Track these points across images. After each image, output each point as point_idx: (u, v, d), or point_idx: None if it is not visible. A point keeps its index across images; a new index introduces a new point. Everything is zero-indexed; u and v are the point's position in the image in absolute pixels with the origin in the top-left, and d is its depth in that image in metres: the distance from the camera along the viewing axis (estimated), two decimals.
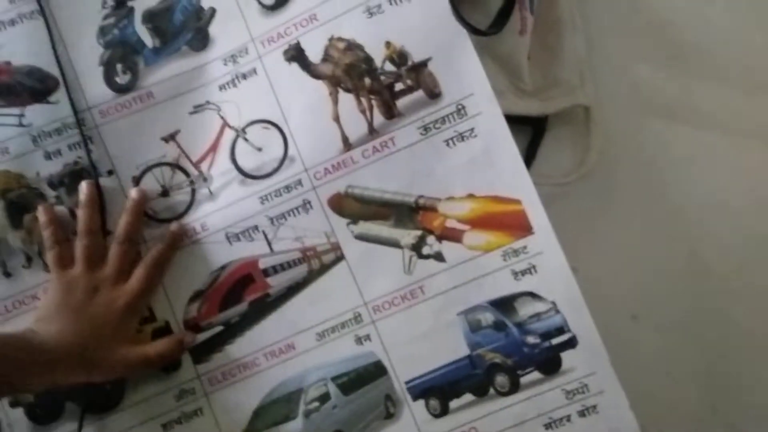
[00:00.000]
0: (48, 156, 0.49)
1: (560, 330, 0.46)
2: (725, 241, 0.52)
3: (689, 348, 0.51)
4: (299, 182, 0.48)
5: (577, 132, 0.49)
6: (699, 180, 0.52)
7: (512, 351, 0.47)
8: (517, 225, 0.47)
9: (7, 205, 0.48)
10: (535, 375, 0.46)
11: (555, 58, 0.49)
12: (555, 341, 0.47)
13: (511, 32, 0.46)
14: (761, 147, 0.53)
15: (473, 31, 0.44)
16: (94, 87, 0.50)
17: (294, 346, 0.48)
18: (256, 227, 0.49)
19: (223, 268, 0.49)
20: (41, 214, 0.47)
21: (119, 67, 0.50)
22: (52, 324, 0.44)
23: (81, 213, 0.47)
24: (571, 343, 0.46)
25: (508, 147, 0.47)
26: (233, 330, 0.49)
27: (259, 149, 0.49)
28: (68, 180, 0.49)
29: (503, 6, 0.45)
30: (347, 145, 0.48)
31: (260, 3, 0.50)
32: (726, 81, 0.53)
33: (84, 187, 0.47)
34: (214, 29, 0.50)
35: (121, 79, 0.50)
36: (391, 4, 0.47)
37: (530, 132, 0.52)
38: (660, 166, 0.51)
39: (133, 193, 0.48)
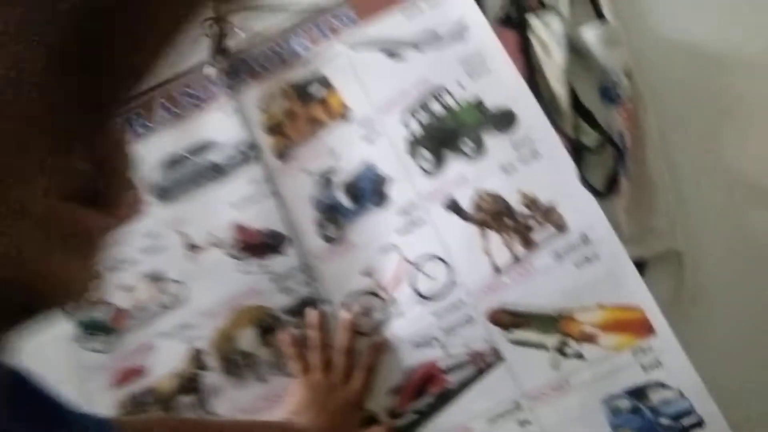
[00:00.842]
0: (284, 292, 0.69)
1: (688, 413, 0.57)
2: None
3: None
4: (462, 302, 0.64)
5: (671, 273, 0.61)
6: None
7: (648, 428, 0.58)
8: (641, 328, 0.59)
9: (259, 330, 0.69)
10: None
11: (649, 211, 0.61)
12: (685, 422, 0.57)
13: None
14: None
15: (595, 193, 0.58)
16: (312, 240, 0.70)
17: (470, 429, 0.63)
18: (434, 337, 0.65)
19: (412, 369, 0.65)
20: (284, 336, 0.67)
21: (327, 224, 0.70)
22: (304, 416, 0.62)
23: (311, 333, 0.66)
24: (699, 424, 0.56)
25: (627, 265, 0.60)
26: (424, 417, 0.65)
27: (431, 278, 0.66)
28: (299, 309, 0.68)
29: (610, 176, 0.59)
30: (497, 271, 0.63)
31: (422, 169, 0.67)
32: None
33: (311, 313, 0.67)
34: (390, 191, 0.69)
35: (330, 232, 0.70)
36: (522, 163, 0.63)
37: None
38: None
39: (345, 315, 0.67)
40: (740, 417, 0.57)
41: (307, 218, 0.70)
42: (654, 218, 0.64)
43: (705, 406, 0.57)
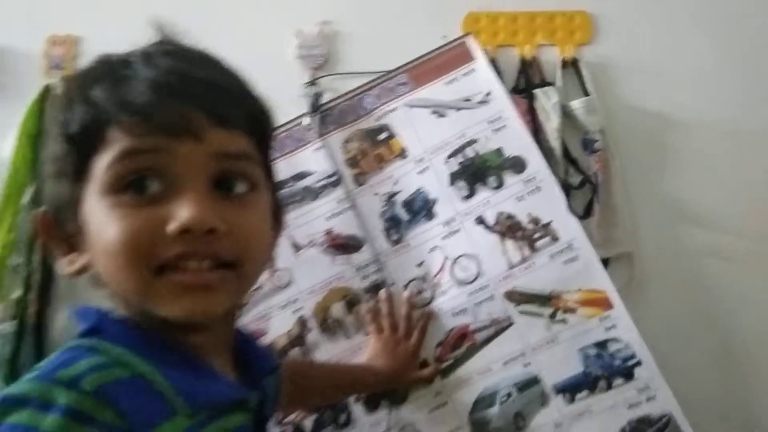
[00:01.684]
0: (362, 277, 0.99)
1: (632, 357, 0.89)
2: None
3: None
4: (486, 285, 0.95)
5: (625, 268, 0.93)
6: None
7: (607, 368, 0.90)
8: (605, 304, 0.91)
9: (346, 303, 0.99)
10: (620, 380, 0.90)
11: (612, 226, 0.93)
12: (629, 363, 0.90)
13: None
14: None
15: (577, 216, 0.90)
16: (381, 242, 0.99)
17: (491, 369, 0.94)
18: (466, 309, 0.96)
19: (451, 330, 0.96)
20: (365, 307, 0.97)
21: (391, 231, 0.99)
22: (379, 362, 0.93)
23: (383, 305, 0.96)
24: (638, 363, 0.89)
25: (596, 263, 0.91)
26: (458, 362, 0.96)
27: (465, 269, 0.96)
28: (373, 289, 0.98)
29: (587, 204, 0.90)
30: (511, 265, 0.94)
31: (459, 195, 0.97)
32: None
33: (383, 292, 0.97)
34: (436, 208, 0.99)
35: (393, 236, 0.99)
36: (529, 195, 0.94)
37: None
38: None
39: (407, 294, 0.97)
40: (662, 359, 0.90)
41: (377, 226, 1.00)
42: (615, 231, 0.96)
43: (642, 353, 0.90)
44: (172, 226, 0.45)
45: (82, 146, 0.48)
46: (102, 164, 0.47)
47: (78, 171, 0.48)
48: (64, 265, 0.52)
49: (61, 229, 0.52)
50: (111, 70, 0.49)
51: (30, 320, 1.00)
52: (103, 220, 0.47)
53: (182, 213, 0.46)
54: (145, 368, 0.46)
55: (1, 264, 1.00)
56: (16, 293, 1.01)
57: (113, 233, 0.46)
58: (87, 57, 1.08)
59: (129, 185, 0.46)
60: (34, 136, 1.04)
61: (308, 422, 0.96)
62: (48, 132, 0.53)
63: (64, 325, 1.03)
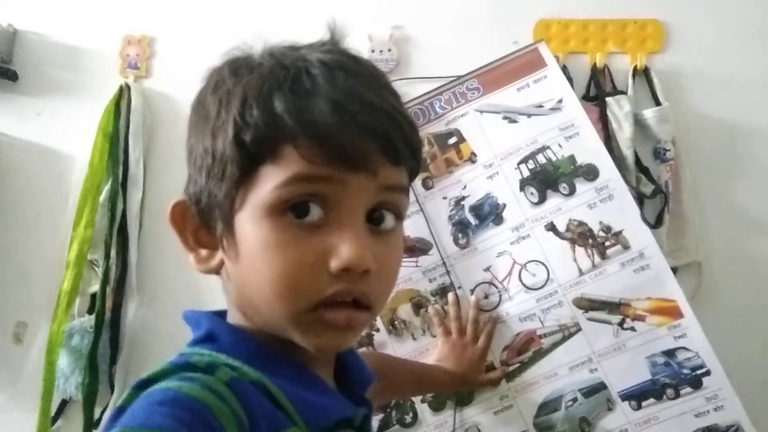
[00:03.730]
0: (430, 280, 1.01)
1: (701, 366, 0.90)
2: None
3: None
4: (556, 291, 0.96)
5: (695, 277, 0.94)
6: None
7: (675, 376, 0.91)
8: (674, 312, 0.91)
9: (413, 305, 1.00)
10: (688, 389, 0.90)
11: (682, 236, 0.93)
12: (698, 372, 0.90)
13: None
14: None
15: (649, 225, 0.90)
16: (449, 245, 1.01)
17: (557, 374, 0.96)
18: (534, 314, 0.97)
19: (518, 334, 0.98)
20: (433, 310, 0.98)
21: (459, 235, 1.01)
22: (448, 363, 0.95)
23: (451, 309, 0.98)
24: (707, 373, 0.90)
25: (667, 271, 0.92)
26: (524, 366, 0.97)
27: (534, 275, 0.97)
28: (440, 292, 1.00)
29: (658, 213, 0.91)
30: (581, 272, 0.95)
31: (529, 201, 0.98)
32: None
33: (451, 296, 0.98)
34: (505, 214, 1.00)
35: (461, 241, 1.01)
36: (601, 203, 0.94)
37: None
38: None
39: (474, 297, 0.99)
40: (731, 368, 0.91)
41: (444, 230, 1.02)
42: (684, 240, 0.96)
43: (712, 362, 0.90)
44: (335, 264, 0.46)
45: (254, 155, 0.47)
46: (270, 182, 0.47)
47: (241, 178, 0.48)
48: (194, 261, 0.53)
49: (194, 222, 0.52)
50: (292, 78, 0.48)
51: (107, 314, 1.04)
52: (262, 241, 0.47)
53: (344, 251, 0.46)
54: (265, 380, 0.47)
55: (80, 259, 1.03)
56: (93, 288, 1.05)
57: (276, 261, 0.47)
58: (161, 56, 1.14)
59: (290, 207, 0.47)
60: (110, 135, 1.08)
61: (374, 422, 0.98)
62: (207, 120, 0.50)
63: (138, 320, 1.07)
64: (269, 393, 0.47)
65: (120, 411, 0.43)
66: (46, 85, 1.15)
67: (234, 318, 0.53)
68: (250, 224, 0.48)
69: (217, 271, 0.53)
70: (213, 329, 0.52)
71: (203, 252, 0.53)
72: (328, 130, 0.46)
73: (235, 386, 0.45)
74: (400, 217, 0.52)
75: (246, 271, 0.49)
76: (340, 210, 0.47)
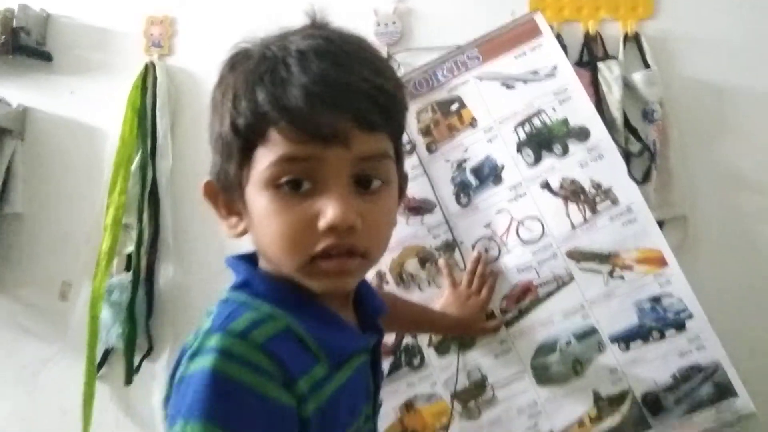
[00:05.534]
0: (434, 237, 1.09)
1: (684, 310, 0.98)
2: None
3: None
4: (551, 245, 1.04)
5: (680, 229, 1.01)
6: None
7: (660, 320, 0.99)
8: (660, 262, 0.99)
9: (419, 260, 1.09)
10: (672, 332, 0.98)
11: (668, 191, 1.00)
12: (682, 315, 0.98)
13: None
14: None
15: (636, 181, 0.97)
16: (451, 205, 1.09)
17: (552, 320, 1.04)
18: (530, 266, 1.05)
19: (516, 285, 1.06)
20: (441, 261, 1.07)
21: (461, 195, 1.09)
22: (452, 310, 1.04)
23: (470, 264, 1.06)
24: (690, 316, 0.98)
25: (653, 225, 0.99)
26: (522, 314, 1.06)
27: (530, 230, 1.05)
28: (444, 248, 1.09)
29: (646, 170, 0.98)
30: (573, 226, 1.03)
31: (525, 162, 1.06)
32: None
33: (475, 252, 1.06)
34: (504, 174, 1.07)
35: (463, 200, 1.09)
36: (592, 161, 1.01)
37: None
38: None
39: (475, 253, 1.07)
40: (712, 313, 0.98)
41: (447, 191, 1.10)
42: (671, 195, 1.03)
43: (694, 307, 0.98)
44: (322, 224, 0.56)
45: (247, 139, 0.57)
46: (263, 160, 0.56)
47: (242, 159, 0.58)
48: (227, 228, 0.63)
49: (222, 196, 0.63)
50: (271, 70, 0.56)
51: (142, 272, 1.14)
52: (264, 210, 0.57)
53: (329, 212, 0.55)
54: (292, 322, 0.58)
55: (116, 222, 1.14)
56: (129, 248, 1.16)
57: (276, 225, 0.57)
58: (182, 35, 1.22)
59: (285, 183, 0.56)
60: (139, 110, 1.17)
61: (385, 364, 1.08)
62: (216, 110, 0.61)
63: (171, 277, 1.18)
64: (297, 336, 0.57)
65: (180, 381, 0.54)
66: (77, 64, 1.24)
67: (265, 265, 0.64)
68: (255, 196, 0.58)
69: (244, 234, 0.63)
70: (249, 277, 0.62)
71: (233, 220, 0.63)
72: (302, 114, 0.54)
73: (269, 347, 0.54)
74: (385, 181, 0.60)
75: (259, 234, 0.60)
76: (325, 180, 0.56)
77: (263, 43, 0.60)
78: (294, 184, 0.57)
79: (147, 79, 1.18)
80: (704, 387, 0.99)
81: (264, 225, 0.58)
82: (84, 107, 1.24)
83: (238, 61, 0.60)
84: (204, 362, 0.53)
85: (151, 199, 1.16)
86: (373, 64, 0.60)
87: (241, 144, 0.58)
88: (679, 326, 0.99)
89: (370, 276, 1.08)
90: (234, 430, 0.51)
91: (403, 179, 0.67)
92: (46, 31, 1.25)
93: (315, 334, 0.58)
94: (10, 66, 1.23)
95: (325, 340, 0.59)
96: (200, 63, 1.19)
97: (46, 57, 1.24)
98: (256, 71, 0.57)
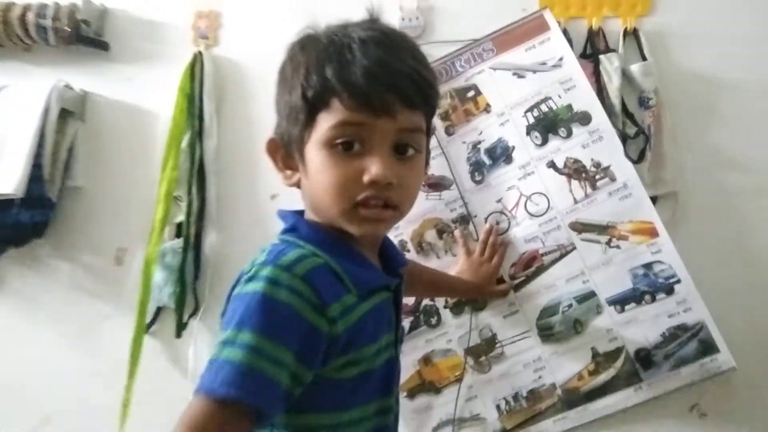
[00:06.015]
0: (450, 211, 1.22)
1: (673, 276, 1.10)
2: None
3: None
4: (555, 217, 1.17)
5: (671, 204, 1.13)
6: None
7: (652, 285, 1.11)
8: (652, 232, 1.11)
9: (437, 231, 1.22)
10: (662, 295, 1.11)
11: (661, 170, 1.12)
12: (671, 281, 1.10)
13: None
14: None
15: (632, 161, 1.10)
16: (466, 181, 1.22)
17: (555, 285, 1.17)
18: (536, 237, 1.18)
19: (523, 253, 1.19)
20: (457, 232, 1.20)
21: (475, 173, 1.21)
22: (466, 276, 1.17)
23: (483, 234, 1.18)
24: (678, 281, 1.10)
25: (646, 200, 1.11)
26: (528, 279, 1.18)
27: (537, 204, 1.18)
28: (460, 220, 1.21)
29: (641, 151, 1.10)
30: (575, 201, 1.15)
31: (534, 143, 1.18)
32: None
33: (487, 225, 1.19)
34: (514, 154, 1.20)
35: (477, 178, 1.21)
36: (593, 143, 1.14)
37: None
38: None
39: (487, 225, 1.20)
40: (699, 279, 1.10)
41: (463, 169, 1.22)
42: (663, 173, 1.15)
43: (682, 273, 1.11)
44: (366, 177, 0.70)
45: (314, 106, 0.71)
46: (325, 124, 0.71)
47: (307, 122, 0.72)
48: (282, 178, 0.78)
49: (282, 152, 0.77)
50: (338, 52, 0.70)
51: (191, 239, 1.28)
52: (321, 164, 0.71)
53: (373, 169, 0.70)
54: (329, 260, 0.72)
55: (168, 195, 1.28)
56: (179, 218, 1.30)
57: (329, 176, 0.71)
58: (226, 28, 1.36)
59: (340, 143, 0.70)
60: (188, 95, 1.31)
61: (406, 323, 1.21)
62: (286, 82, 0.75)
63: (214, 244, 1.31)
64: (333, 270, 0.72)
65: (235, 298, 0.68)
66: (132, 54, 1.38)
67: (309, 216, 0.78)
68: (314, 153, 0.72)
69: (297, 185, 0.77)
70: (295, 223, 0.77)
71: (288, 172, 0.78)
72: (361, 89, 0.69)
73: (309, 278, 0.68)
74: (418, 150, 0.75)
75: (312, 184, 0.74)
76: (372, 144, 0.71)
77: (328, 30, 0.74)
78: (347, 145, 0.70)
79: (195, 67, 1.32)
80: (690, 344, 1.11)
81: (319, 177, 0.72)
82: (138, 92, 1.37)
83: (307, 44, 0.74)
84: (256, 286, 0.67)
85: (198, 174, 1.29)
86: (417, 56, 0.74)
87: (308, 109, 0.71)
88: (669, 290, 1.12)
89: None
90: (274, 338, 0.64)
91: (428, 153, 0.81)
92: (104, 24, 1.39)
93: (347, 270, 0.72)
94: (73, 54, 1.37)
95: (355, 276, 0.72)
96: (243, 53, 1.32)
97: (104, 47, 1.38)
98: (325, 52, 0.71)
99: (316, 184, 0.73)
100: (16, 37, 1.35)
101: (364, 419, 0.75)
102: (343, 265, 0.72)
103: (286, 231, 0.78)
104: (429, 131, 0.80)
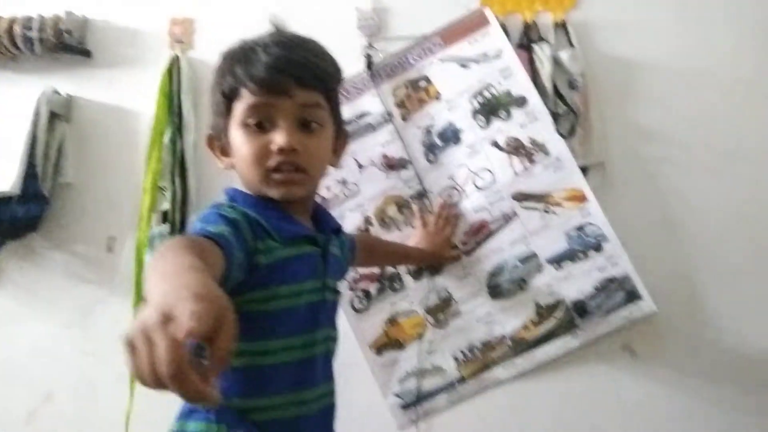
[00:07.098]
0: (408, 188, 1.37)
1: (602, 235, 1.27)
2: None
3: None
4: (499, 190, 1.32)
5: (598, 172, 1.29)
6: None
7: (583, 244, 1.28)
8: (582, 198, 1.27)
9: (397, 206, 1.37)
10: (593, 252, 1.27)
11: (589, 142, 1.29)
12: (600, 239, 1.27)
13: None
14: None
15: (562, 136, 1.26)
16: (421, 161, 1.37)
17: (502, 248, 1.32)
18: (484, 207, 1.33)
19: (473, 223, 1.34)
20: (415, 207, 1.35)
21: (429, 154, 1.37)
22: (424, 245, 1.32)
23: (436, 208, 1.34)
24: (605, 239, 1.26)
25: (576, 170, 1.28)
26: (478, 245, 1.34)
27: (483, 179, 1.33)
28: (417, 196, 1.36)
29: (571, 128, 1.26)
30: (516, 174, 1.31)
31: (479, 125, 1.33)
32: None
33: (439, 199, 1.34)
34: (462, 136, 1.35)
35: (430, 158, 1.36)
36: (529, 123, 1.29)
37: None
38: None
39: (440, 199, 1.35)
40: (625, 238, 1.27)
41: (418, 151, 1.38)
42: (591, 146, 1.32)
43: (609, 232, 1.28)
44: (273, 147, 0.86)
45: (229, 98, 0.88)
46: (239, 109, 0.87)
47: (226, 111, 0.89)
48: (221, 164, 0.94)
49: (217, 142, 0.93)
50: (244, 54, 0.88)
51: (176, 224, 1.41)
52: (239, 141, 0.88)
53: (279, 140, 0.86)
54: (257, 216, 0.85)
55: (153, 186, 1.41)
56: (164, 206, 1.43)
57: (246, 150, 0.87)
58: (199, 33, 1.49)
59: (252, 123, 0.86)
60: (167, 94, 1.44)
61: (373, 288, 1.36)
62: (213, 86, 0.93)
63: None
64: (259, 223, 0.85)
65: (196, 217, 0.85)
66: (113, 59, 1.51)
67: (243, 188, 0.93)
68: (234, 134, 0.89)
69: (232, 167, 0.93)
70: (234, 195, 0.92)
71: (225, 159, 0.94)
72: (262, 77, 0.85)
73: (242, 214, 0.83)
74: (321, 124, 0.90)
75: (238, 160, 0.90)
76: (277, 121, 0.87)
77: (242, 42, 0.91)
78: (258, 124, 0.87)
79: (173, 69, 1.45)
80: (618, 294, 1.28)
81: (240, 152, 0.88)
82: (120, 94, 1.50)
83: (227, 54, 0.92)
84: (204, 210, 0.84)
85: (180, 166, 1.43)
86: (311, 49, 0.90)
87: (226, 102, 0.89)
88: (598, 248, 1.28)
89: (359, 221, 1.37)
90: (214, 223, 0.78)
91: (342, 133, 0.98)
92: (86, 33, 1.52)
93: (269, 220, 0.85)
94: (57, 62, 1.50)
95: (277, 226, 0.86)
96: (216, 54, 1.43)
97: (87, 54, 1.50)
98: (236, 56, 0.89)
99: (239, 159, 0.89)
100: (3, 48, 1.47)
101: (290, 348, 0.88)
102: (267, 218, 0.86)
103: (225, 200, 0.92)
104: (335, 111, 0.95)
